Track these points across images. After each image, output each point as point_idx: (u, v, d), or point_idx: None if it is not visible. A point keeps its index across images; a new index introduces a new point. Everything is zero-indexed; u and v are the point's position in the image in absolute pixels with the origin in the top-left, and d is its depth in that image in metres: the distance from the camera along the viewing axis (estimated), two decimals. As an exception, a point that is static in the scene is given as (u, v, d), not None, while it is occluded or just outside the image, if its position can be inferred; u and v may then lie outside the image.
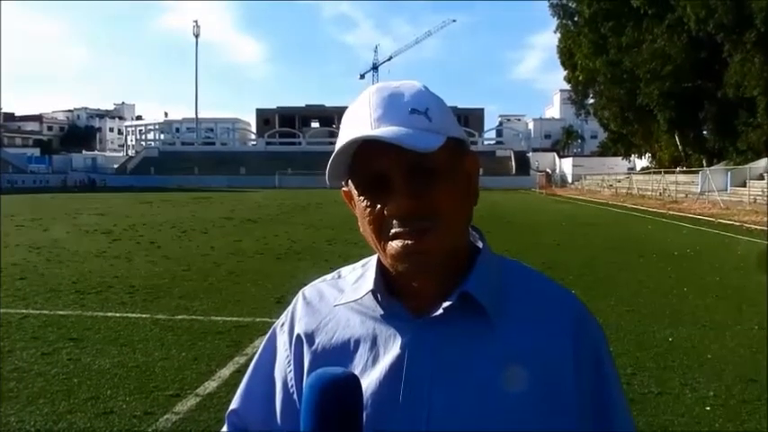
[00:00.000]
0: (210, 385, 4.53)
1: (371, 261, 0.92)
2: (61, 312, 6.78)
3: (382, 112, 0.80)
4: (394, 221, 0.80)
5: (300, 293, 0.99)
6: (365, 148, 0.79)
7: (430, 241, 0.79)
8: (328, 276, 0.99)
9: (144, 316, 6.62)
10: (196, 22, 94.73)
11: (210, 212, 23.77)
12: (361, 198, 0.83)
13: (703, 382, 4.67)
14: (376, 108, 0.80)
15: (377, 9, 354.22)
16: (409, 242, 0.79)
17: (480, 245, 0.91)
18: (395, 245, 0.80)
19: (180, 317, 6.59)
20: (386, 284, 0.88)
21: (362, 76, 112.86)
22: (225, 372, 4.82)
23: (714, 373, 4.87)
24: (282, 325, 0.97)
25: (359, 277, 0.93)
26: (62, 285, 8.29)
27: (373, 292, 0.87)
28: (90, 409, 4.05)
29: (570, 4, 44.69)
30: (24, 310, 6.81)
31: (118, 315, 6.66)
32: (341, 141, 0.80)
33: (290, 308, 0.98)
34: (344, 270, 0.98)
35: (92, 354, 5.25)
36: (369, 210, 0.82)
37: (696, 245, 13.70)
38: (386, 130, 0.77)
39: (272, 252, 12.06)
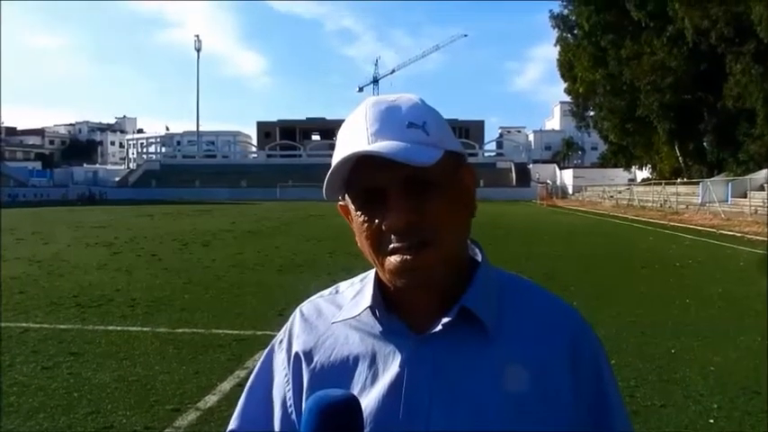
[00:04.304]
0: (211, 399, 4.51)
1: (369, 276, 0.91)
2: (62, 326, 6.76)
3: (379, 126, 0.79)
4: (392, 236, 0.79)
5: (298, 310, 0.98)
6: (362, 162, 0.78)
7: (428, 256, 0.79)
8: (326, 292, 0.98)
9: (145, 329, 6.60)
10: (197, 36, 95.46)
11: (211, 225, 23.73)
12: (359, 213, 0.82)
13: (706, 394, 4.64)
14: (372, 122, 0.79)
15: (378, 22, 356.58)
16: (407, 257, 0.79)
17: (479, 258, 0.90)
18: (393, 260, 0.80)
19: (181, 330, 6.57)
20: (384, 300, 0.87)
21: (361, 89, 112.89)
22: (226, 385, 4.80)
23: (717, 385, 4.84)
24: (280, 342, 0.96)
25: (357, 293, 0.92)
26: (62, 299, 8.28)
27: (371, 308, 0.87)
28: (90, 423, 4.03)
29: (570, 17, 44.93)
30: (25, 324, 6.80)
31: (119, 328, 6.64)
32: (337, 156, 0.79)
33: (287, 325, 0.97)
34: (342, 285, 0.97)
35: (92, 368, 5.24)
36: (366, 225, 0.81)
37: (697, 256, 13.67)
38: (383, 145, 0.76)
39: (274, 264, 12.04)
